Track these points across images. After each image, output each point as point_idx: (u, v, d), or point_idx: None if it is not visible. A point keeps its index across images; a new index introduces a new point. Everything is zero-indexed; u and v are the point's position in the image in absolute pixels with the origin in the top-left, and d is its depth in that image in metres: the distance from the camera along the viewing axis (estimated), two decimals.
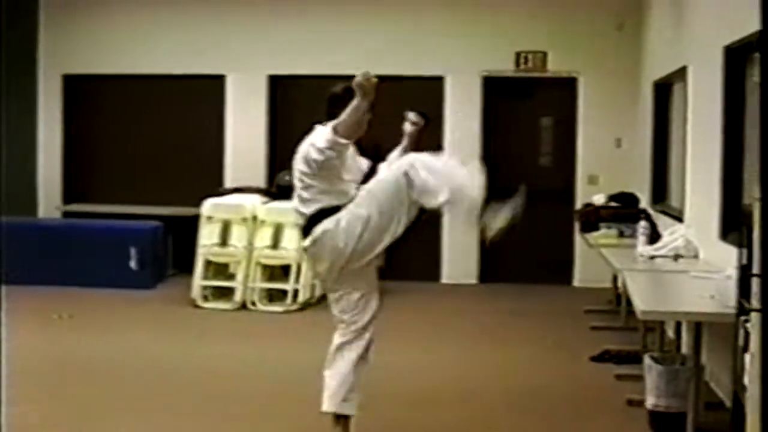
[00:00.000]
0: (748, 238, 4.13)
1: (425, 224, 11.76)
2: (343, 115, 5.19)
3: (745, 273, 4.31)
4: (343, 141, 5.20)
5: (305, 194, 5.37)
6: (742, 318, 4.28)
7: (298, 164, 5.39)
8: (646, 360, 5.99)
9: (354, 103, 5.12)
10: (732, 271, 5.01)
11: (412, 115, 5.67)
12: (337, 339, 5.47)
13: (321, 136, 5.24)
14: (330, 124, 5.25)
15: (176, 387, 6.99)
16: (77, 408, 6.35)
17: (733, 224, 6.39)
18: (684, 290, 6.12)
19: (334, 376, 5.39)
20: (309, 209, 5.37)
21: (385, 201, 5.35)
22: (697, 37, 8.01)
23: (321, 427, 5.46)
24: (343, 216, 5.32)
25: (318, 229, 5.32)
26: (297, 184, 5.43)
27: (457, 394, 6.94)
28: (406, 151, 5.70)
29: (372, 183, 5.46)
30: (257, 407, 6.50)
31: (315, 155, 5.24)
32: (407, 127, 5.75)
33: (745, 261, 4.30)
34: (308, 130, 5.45)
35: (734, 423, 4.64)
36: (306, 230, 5.39)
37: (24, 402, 6.15)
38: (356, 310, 5.45)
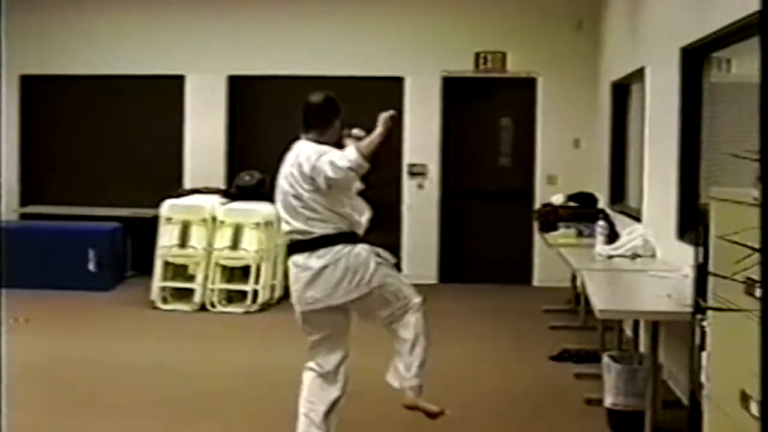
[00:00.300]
0: (704, 237, 4.17)
1: (386, 223, 11.86)
2: (373, 139, 5.16)
3: (701, 272, 4.35)
4: (366, 165, 5.13)
5: (307, 213, 5.19)
6: (699, 316, 4.33)
7: (298, 180, 5.19)
8: (605, 359, 6.03)
9: (381, 131, 5.12)
10: (689, 270, 5.06)
11: (356, 131, 5.54)
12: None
13: (341, 155, 5.14)
14: (354, 145, 5.18)
15: (135, 389, 6.95)
16: (34, 411, 6.29)
17: (690, 224, 6.44)
18: (641, 289, 6.18)
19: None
20: (321, 229, 5.20)
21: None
22: (655, 38, 8.07)
23: (280, 427, 5.45)
24: (362, 249, 5.28)
25: (336, 251, 5.21)
26: (292, 200, 5.21)
27: None
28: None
29: None
30: (217, 407, 6.49)
31: (333, 173, 5.11)
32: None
33: (701, 260, 4.35)
34: (280, 137, 5.37)
35: (691, 421, 4.67)
36: (309, 248, 5.23)
37: None
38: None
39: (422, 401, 5.53)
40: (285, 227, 5.31)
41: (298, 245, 5.25)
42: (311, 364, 5.36)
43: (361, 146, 5.20)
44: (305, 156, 5.20)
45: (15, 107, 12.59)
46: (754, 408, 3.23)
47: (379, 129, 5.16)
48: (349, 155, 5.15)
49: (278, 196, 5.31)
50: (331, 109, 5.36)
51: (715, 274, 3.71)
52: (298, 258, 5.25)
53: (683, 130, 6.98)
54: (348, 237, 5.26)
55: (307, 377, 5.36)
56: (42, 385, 7.05)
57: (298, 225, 5.21)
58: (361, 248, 5.27)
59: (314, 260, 5.19)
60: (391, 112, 5.22)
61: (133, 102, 12.51)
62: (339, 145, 5.29)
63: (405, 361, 5.50)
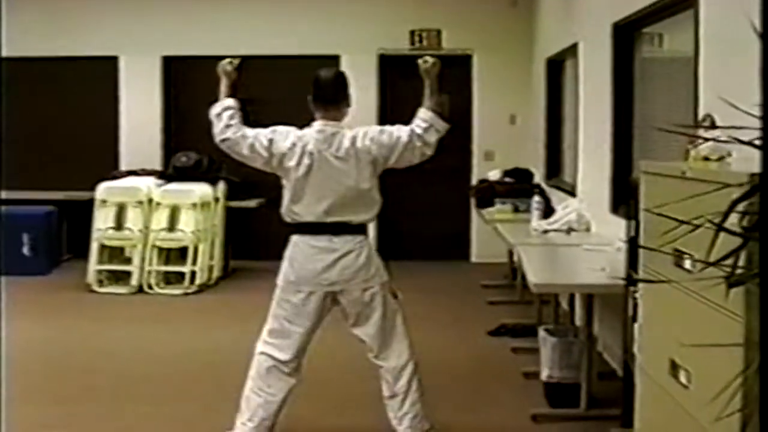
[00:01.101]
0: (635, 210, 4.22)
1: None
2: (433, 90, 5.33)
3: (633, 245, 4.41)
4: (444, 123, 5.34)
5: (354, 201, 5.14)
6: (631, 289, 4.39)
7: (354, 165, 5.10)
8: (541, 333, 6.09)
9: (434, 80, 5.33)
10: (621, 244, 5.12)
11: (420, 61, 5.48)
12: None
13: (421, 125, 5.21)
14: (425, 107, 5.26)
15: (74, 374, 6.91)
16: None
17: (623, 198, 6.51)
18: (576, 263, 6.24)
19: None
20: (359, 217, 5.17)
21: None
22: (587, 14, 8.13)
23: (220, 408, 5.45)
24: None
25: (361, 239, 5.17)
26: (336, 186, 5.09)
27: (354, 373, 6.92)
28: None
29: None
30: (157, 389, 6.47)
31: (418, 143, 5.23)
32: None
33: (633, 233, 4.41)
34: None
35: (625, 392, 4.74)
36: (332, 231, 5.13)
37: None
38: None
39: None
40: (310, 208, 5.13)
41: (319, 227, 5.13)
42: (272, 352, 5.23)
43: (429, 105, 5.28)
44: (358, 139, 5.13)
45: None
46: (683, 377, 3.28)
47: (431, 80, 5.29)
48: (427, 117, 5.25)
49: (311, 177, 5.10)
50: (345, 84, 5.28)
51: (644, 247, 3.76)
52: (316, 239, 5.13)
53: (616, 106, 7.05)
54: (366, 228, 5.26)
55: (265, 364, 5.24)
56: None
57: (335, 209, 5.10)
58: (370, 241, 5.27)
59: (339, 243, 5.11)
60: (434, 58, 5.32)
61: (67, 84, 12.37)
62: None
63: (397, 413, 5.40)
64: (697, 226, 2.54)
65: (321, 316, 5.28)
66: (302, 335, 5.24)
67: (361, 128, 5.23)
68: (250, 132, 5.24)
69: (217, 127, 5.26)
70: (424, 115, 5.29)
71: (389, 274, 5.35)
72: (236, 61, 5.34)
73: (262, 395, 5.23)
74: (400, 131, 5.24)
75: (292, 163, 5.14)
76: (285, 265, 5.26)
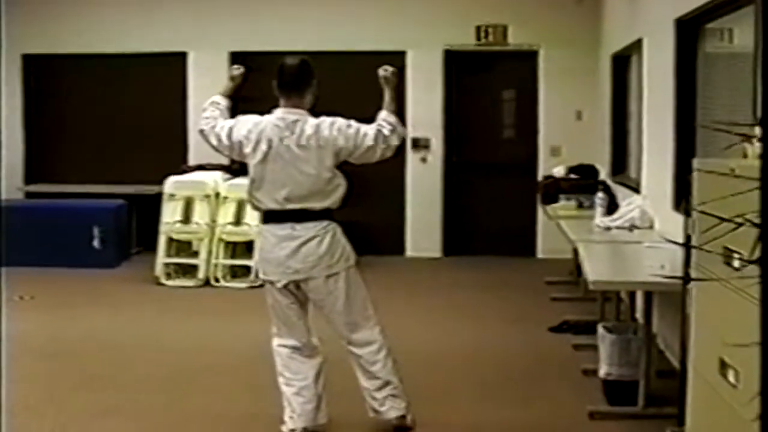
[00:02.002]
0: (692, 208, 4.20)
1: (389, 197, 11.90)
2: (392, 99, 5.39)
3: (687, 244, 4.38)
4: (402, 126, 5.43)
5: (313, 186, 5.19)
6: (689, 287, 4.36)
7: (314, 152, 5.17)
8: (600, 330, 6.07)
9: (392, 89, 5.40)
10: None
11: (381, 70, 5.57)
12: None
13: (386, 127, 5.28)
14: (385, 110, 5.34)
15: (139, 364, 7.03)
16: (39, 387, 6.38)
17: (684, 195, 6.46)
18: (636, 260, 6.21)
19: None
20: (319, 203, 5.22)
21: None
22: (651, 9, 8.07)
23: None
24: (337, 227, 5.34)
25: (324, 224, 5.24)
26: (294, 172, 5.17)
27: (419, 365, 6.97)
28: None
29: None
30: (219, 380, 6.57)
31: (395, 141, 5.32)
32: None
33: (690, 231, 4.38)
34: (267, 110, 5.38)
35: (681, 390, 4.72)
36: (295, 218, 5.21)
37: None
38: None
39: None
40: (272, 195, 5.21)
41: (281, 215, 5.22)
42: (284, 342, 5.36)
43: (391, 109, 5.35)
44: (324, 129, 5.20)
45: (18, 87, 12.63)
46: (732, 376, 3.27)
47: (390, 88, 5.38)
48: (390, 120, 5.30)
49: (269, 164, 5.19)
50: (309, 72, 5.33)
51: (691, 246, 3.74)
52: (279, 227, 5.23)
53: (678, 101, 6.99)
54: (331, 213, 5.30)
55: (284, 354, 5.36)
56: (47, 361, 7.13)
57: (295, 196, 5.18)
58: (337, 226, 5.32)
59: (302, 230, 5.20)
60: (393, 68, 5.43)
61: (137, 79, 12.55)
62: (313, 112, 5.30)
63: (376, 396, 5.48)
64: (740, 224, 2.53)
65: (301, 300, 5.36)
66: (298, 319, 5.36)
67: (326, 118, 5.28)
68: (220, 123, 5.40)
69: (200, 119, 5.53)
70: (389, 118, 5.36)
71: (356, 257, 5.41)
72: (242, 69, 5.64)
73: (294, 384, 5.33)
74: (367, 130, 5.29)
75: (248, 150, 5.26)
76: (256, 257, 5.39)
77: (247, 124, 5.31)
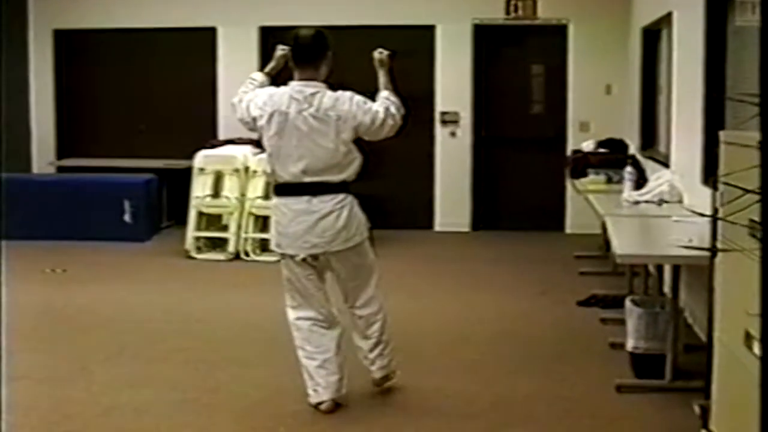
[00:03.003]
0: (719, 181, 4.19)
1: (418, 171, 11.90)
2: (389, 80, 5.46)
3: (713, 216, 4.38)
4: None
5: (330, 160, 5.22)
6: (716, 260, 4.36)
7: (332, 125, 5.19)
8: (627, 303, 6.08)
9: (388, 71, 5.46)
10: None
11: (376, 53, 5.62)
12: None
13: (393, 103, 5.33)
14: (387, 91, 5.40)
15: (168, 336, 7.09)
16: (72, 359, 6.45)
17: (713, 169, 6.44)
18: (664, 234, 6.20)
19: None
20: (336, 176, 5.25)
21: None
22: None
23: None
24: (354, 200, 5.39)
25: (341, 198, 5.28)
26: (311, 145, 5.18)
27: (448, 339, 7.06)
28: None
29: None
30: (247, 352, 6.63)
31: (394, 120, 5.35)
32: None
33: (718, 204, 4.37)
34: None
35: (708, 363, 4.72)
36: (311, 192, 5.24)
37: (18, 353, 6.27)
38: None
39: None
40: (288, 169, 5.23)
41: (297, 187, 5.24)
42: (302, 314, 5.41)
43: (390, 89, 5.42)
44: (344, 102, 5.22)
45: (49, 62, 12.72)
46: (757, 348, 3.27)
47: (385, 70, 5.46)
48: (394, 100, 5.34)
49: (284, 137, 5.20)
50: (324, 44, 5.32)
51: (717, 218, 3.75)
52: (295, 200, 5.25)
53: (708, 75, 6.95)
54: (347, 186, 5.32)
55: (304, 327, 5.41)
56: (74, 333, 7.22)
57: (312, 169, 5.20)
58: (353, 199, 5.35)
59: (318, 204, 5.22)
60: (388, 51, 5.50)
61: (167, 54, 12.61)
62: (335, 86, 5.32)
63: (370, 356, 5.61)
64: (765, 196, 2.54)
65: (320, 270, 5.40)
66: (316, 291, 5.40)
67: (344, 92, 5.28)
68: (247, 98, 5.42)
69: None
70: (391, 97, 5.40)
71: (370, 229, 5.47)
72: (286, 50, 5.47)
73: (317, 358, 5.37)
74: (377, 106, 5.32)
75: (262, 122, 5.27)
76: (272, 231, 5.43)
77: (262, 96, 5.33)
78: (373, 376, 5.64)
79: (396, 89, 5.45)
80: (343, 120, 5.21)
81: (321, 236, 5.24)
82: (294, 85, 5.28)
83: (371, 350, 5.57)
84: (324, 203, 5.23)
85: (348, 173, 5.29)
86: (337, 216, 5.24)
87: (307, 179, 5.22)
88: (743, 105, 6.33)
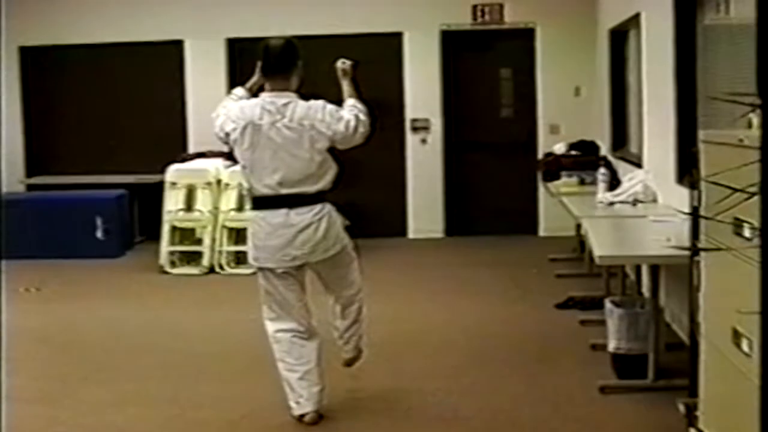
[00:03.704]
0: (698, 180, 4.21)
1: (390, 179, 11.89)
2: (354, 90, 5.45)
3: (695, 214, 4.40)
4: None
5: (305, 170, 5.19)
6: (696, 259, 4.38)
7: (304, 135, 5.17)
8: (607, 304, 6.09)
9: (351, 80, 5.47)
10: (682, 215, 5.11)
11: (339, 63, 5.61)
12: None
13: (356, 109, 5.30)
14: (353, 99, 5.37)
15: (147, 352, 7.05)
16: (54, 379, 6.40)
17: (688, 168, 6.48)
18: (642, 235, 6.24)
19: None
20: (311, 186, 5.23)
21: None
22: None
23: None
24: (332, 208, 5.37)
25: (318, 209, 5.26)
26: (285, 156, 5.16)
27: (426, 344, 7.06)
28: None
29: None
30: (228, 368, 6.59)
31: (363, 128, 5.31)
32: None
33: (696, 203, 4.40)
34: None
35: (692, 361, 4.75)
36: (288, 204, 5.22)
37: None
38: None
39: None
40: (263, 181, 5.21)
41: (274, 200, 5.22)
42: (281, 326, 5.38)
43: (356, 96, 5.41)
44: (316, 111, 5.20)
45: (15, 79, 12.60)
46: (745, 345, 3.29)
47: (348, 80, 5.47)
48: (361, 107, 5.32)
49: (258, 149, 5.18)
50: (295, 53, 5.31)
51: (703, 216, 3.76)
52: (273, 214, 5.23)
53: (678, 74, 7.00)
54: (324, 195, 5.31)
55: (283, 339, 5.38)
56: (54, 352, 7.17)
57: (288, 180, 5.18)
58: (331, 207, 5.35)
59: (296, 217, 5.21)
60: (350, 61, 5.49)
61: (135, 69, 12.53)
62: (301, 94, 5.30)
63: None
64: (752, 194, 2.55)
65: (299, 281, 5.40)
66: (297, 301, 5.40)
67: (316, 101, 5.27)
68: (221, 116, 5.36)
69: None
70: (358, 104, 5.39)
71: (350, 236, 5.49)
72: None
73: (298, 370, 5.36)
74: (347, 114, 5.30)
75: (236, 135, 5.23)
76: (249, 244, 5.42)
77: (234, 110, 5.29)
78: (344, 356, 5.69)
79: (361, 97, 5.45)
80: (317, 130, 5.19)
81: (301, 248, 5.24)
82: (265, 96, 5.25)
83: (347, 330, 5.62)
84: (302, 215, 5.21)
85: (323, 183, 5.28)
86: (316, 228, 5.24)
87: (284, 191, 5.20)
88: (714, 103, 6.39)
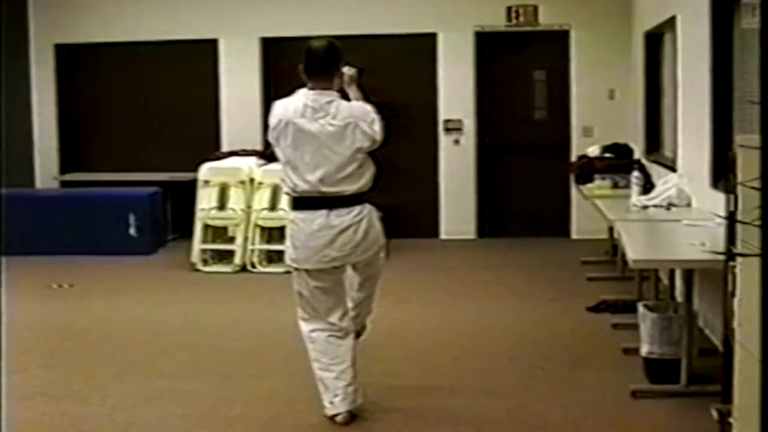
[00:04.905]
0: (735, 185, 4.18)
1: (423, 180, 11.89)
2: (362, 98, 5.47)
3: (731, 219, 4.37)
4: None
5: (345, 170, 5.23)
6: (731, 263, 4.35)
7: (347, 136, 5.21)
8: (640, 309, 6.06)
9: (359, 90, 5.49)
10: (718, 219, 5.08)
11: (346, 69, 5.62)
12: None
13: (377, 119, 5.32)
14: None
15: (178, 350, 7.06)
16: (85, 375, 6.42)
17: (723, 172, 6.44)
18: (676, 239, 6.20)
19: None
20: (350, 187, 5.27)
21: None
22: None
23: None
24: (372, 208, 5.41)
25: (357, 210, 5.30)
26: (329, 154, 5.20)
27: (457, 347, 7.04)
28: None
29: None
30: (259, 365, 6.61)
31: (380, 137, 5.32)
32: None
33: (732, 207, 4.36)
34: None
35: (725, 367, 4.71)
36: (328, 205, 5.25)
37: (24, 371, 6.27)
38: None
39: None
40: (305, 177, 5.23)
41: (315, 201, 5.25)
42: (317, 325, 5.40)
43: (366, 102, 5.46)
44: (362, 113, 5.27)
45: (50, 77, 12.71)
46: None
47: (355, 86, 5.50)
48: (378, 120, 5.33)
49: (300, 145, 5.22)
50: (337, 55, 5.35)
51: (739, 221, 3.73)
52: (313, 215, 5.26)
53: (715, 78, 6.96)
54: (363, 197, 5.34)
55: (319, 339, 5.39)
56: (85, 349, 7.20)
57: (329, 177, 5.22)
58: (371, 208, 5.38)
59: (336, 218, 5.24)
60: (356, 68, 5.51)
61: (169, 67, 12.60)
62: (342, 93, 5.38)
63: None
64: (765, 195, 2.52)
65: (336, 281, 5.42)
66: (332, 303, 5.40)
67: (356, 102, 5.38)
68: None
69: None
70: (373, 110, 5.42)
71: (385, 237, 5.53)
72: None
73: (333, 369, 5.36)
74: (379, 127, 5.35)
75: (278, 132, 5.29)
76: (287, 245, 5.45)
77: (278, 107, 5.36)
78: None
79: (369, 100, 5.49)
80: (361, 129, 5.23)
81: (340, 250, 5.27)
82: (308, 93, 5.28)
83: (361, 303, 5.66)
84: (342, 217, 5.24)
85: (363, 182, 5.30)
86: (356, 230, 5.27)
87: (324, 189, 5.22)
88: (752, 107, 6.33)
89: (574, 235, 11.96)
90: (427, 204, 12.12)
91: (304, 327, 5.47)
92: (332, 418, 5.33)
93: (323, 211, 5.24)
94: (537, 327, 7.61)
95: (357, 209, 5.28)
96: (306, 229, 5.27)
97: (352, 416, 5.36)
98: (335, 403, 5.33)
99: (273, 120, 5.32)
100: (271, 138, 5.35)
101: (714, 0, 6.91)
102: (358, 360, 5.46)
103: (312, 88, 5.27)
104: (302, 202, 5.31)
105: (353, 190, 5.27)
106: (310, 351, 5.44)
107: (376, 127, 5.28)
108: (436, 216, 12.20)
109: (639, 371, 5.98)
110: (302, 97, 5.29)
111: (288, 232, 5.47)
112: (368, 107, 5.34)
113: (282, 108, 5.32)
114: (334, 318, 5.40)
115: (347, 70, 5.52)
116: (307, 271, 5.34)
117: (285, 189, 5.47)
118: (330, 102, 5.23)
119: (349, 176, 5.25)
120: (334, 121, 5.21)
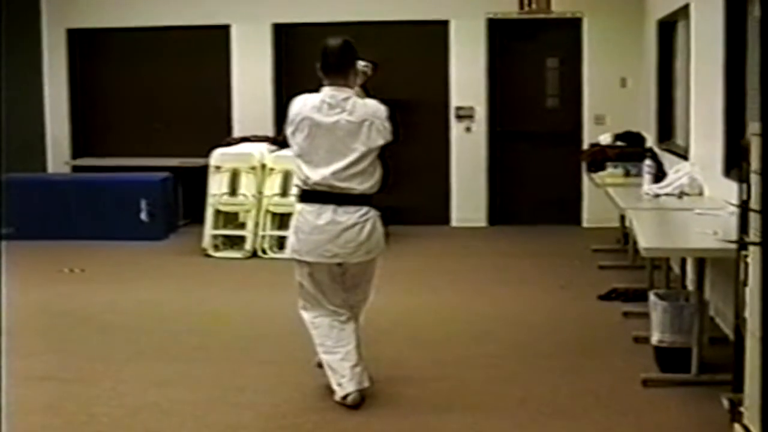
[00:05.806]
0: (748, 173, 4.17)
1: (434, 167, 11.88)
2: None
3: (745, 208, 4.36)
4: None
5: (357, 167, 5.28)
6: (743, 252, 4.34)
7: (364, 133, 5.27)
8: (651, 297, 6.05)
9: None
10: (732, 208, 5.06)
11: (362, 64, 5.64)
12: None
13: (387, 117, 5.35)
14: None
15: (189, 335, 7.08)
16: (96, 359, 6.44)
17: (736, 161, 6.42)
18: (687, 227, 6.18)
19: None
20: (360, 185, 5.31)
21: None
22: None
23: None
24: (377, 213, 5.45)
25: (365, 211, 5.36)
26: (343, 149, 5.26)
27: (467, 333, 7.05)
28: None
29: None
30: (269, 350, 6.64)
31: (392, 137, 5.37)
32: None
33: (745, 196, 4.35)
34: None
35: (736, 356, 4.71)
36: (337, 201, 5.30)
37: (36, 354, 6.30)
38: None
39: None
40: (318, 169, 5.29)
41: (324, 195, 5.31)
42: (318, 312, 5.47)
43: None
44: (377, 112, 5.32)
45: (62, 61, 12.72)
46: None
47: (362, 81, 5.53)
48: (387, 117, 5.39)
49: (316, 139, 5.29)
50: (352, 52, 5.41)
51: (753, 210, 3.73)
52: (319, 209, 5.31)
53: (728, 66, 6.94)
54: (371, 199, 5.39)
55: (322, 324, 5.46)
56: (96, 333, 7.21)
57: (341, 172, 5.27)
58: (376, 212, 5.43)
59: (343, 215, 5.30)
60: (370, 63, 5.55)
61: (181, 53, 12.59)
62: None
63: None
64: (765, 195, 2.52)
65: (335, 277, 5.46)
66: (331, 293, 5.46)
67: (371, 100, 5.41)
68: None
69: None
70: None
71: (386, 243, 5.59)
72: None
73: (339, 351, 5.42)
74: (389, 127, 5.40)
75: (295, 125, 5.34)
76: (291, 235, 5.48)
77: (298, 102, 5.42)
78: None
79: (369, 95, 5.54)
80: (376, 127, 5.30)
81: (343, 247, 5.33)
82: (326, 90, 5.36)
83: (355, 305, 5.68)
84: (348, 214, 5.30)
85: (372, 182, 5.36)
86: (361, 229, 5.32)
87: (336, 183, 5.27)
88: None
89: (585, 224, 11.94)
90: (438, 191, 12.11)
91: (306, 315, 5.55)
92: (342, 400, 5.34)
93: (331, 206, 5.30)
94: (547, 315, 7.60)
95: (364, 209, 5.35)
96: (312, 222, 5.33)
97: (362, 398, 5.37)
98: (343, 384, 5.36)
99: (291, 114, 5.38)
100: (287, 131, 5.39)
101: None
102: (363, 345, 5.49)
103: (329, 86, 5.33)
104: (312, 196, 5.36)
105: (362, 189, 5.32)
106: (314, 337, 5.51)
107: (389, 127, 5.33)
108: (447, 203, 12.19)
109: (650, 360, 5.97)
110: (320, 93, 5.36)
111: (293, 222, 5.54)
112: (382, 107, 5.38)
113: (300, 103, 5.39)
114: (334, 306, 5.47)
115: (362, 66, 5.54)
116: (308, 263, 5.39)
117: (296, 181, 5.54)
118: (346, 99, 5.30)
119: (361, 173, 5.30)
120: (351, 118, 5.27)
